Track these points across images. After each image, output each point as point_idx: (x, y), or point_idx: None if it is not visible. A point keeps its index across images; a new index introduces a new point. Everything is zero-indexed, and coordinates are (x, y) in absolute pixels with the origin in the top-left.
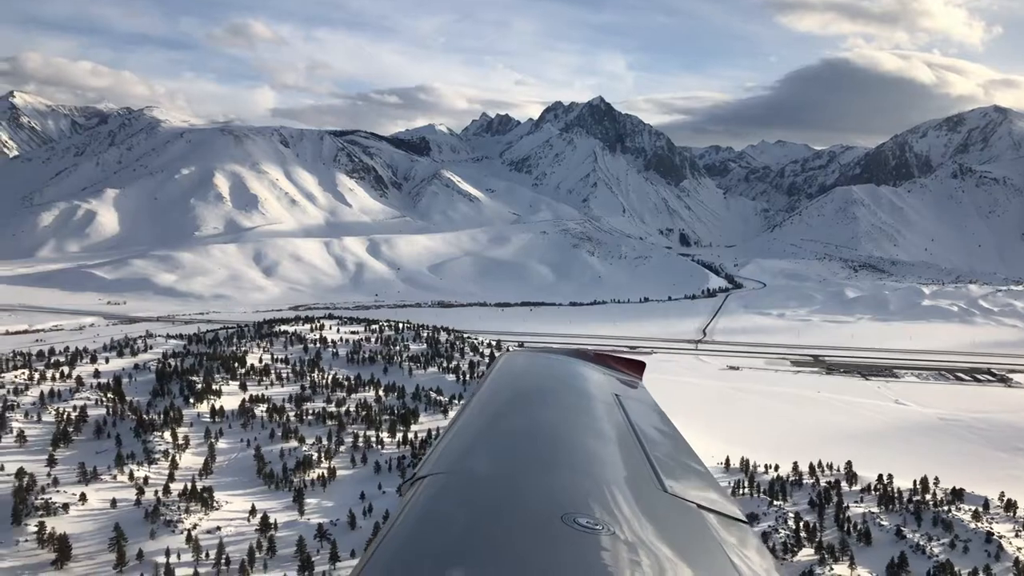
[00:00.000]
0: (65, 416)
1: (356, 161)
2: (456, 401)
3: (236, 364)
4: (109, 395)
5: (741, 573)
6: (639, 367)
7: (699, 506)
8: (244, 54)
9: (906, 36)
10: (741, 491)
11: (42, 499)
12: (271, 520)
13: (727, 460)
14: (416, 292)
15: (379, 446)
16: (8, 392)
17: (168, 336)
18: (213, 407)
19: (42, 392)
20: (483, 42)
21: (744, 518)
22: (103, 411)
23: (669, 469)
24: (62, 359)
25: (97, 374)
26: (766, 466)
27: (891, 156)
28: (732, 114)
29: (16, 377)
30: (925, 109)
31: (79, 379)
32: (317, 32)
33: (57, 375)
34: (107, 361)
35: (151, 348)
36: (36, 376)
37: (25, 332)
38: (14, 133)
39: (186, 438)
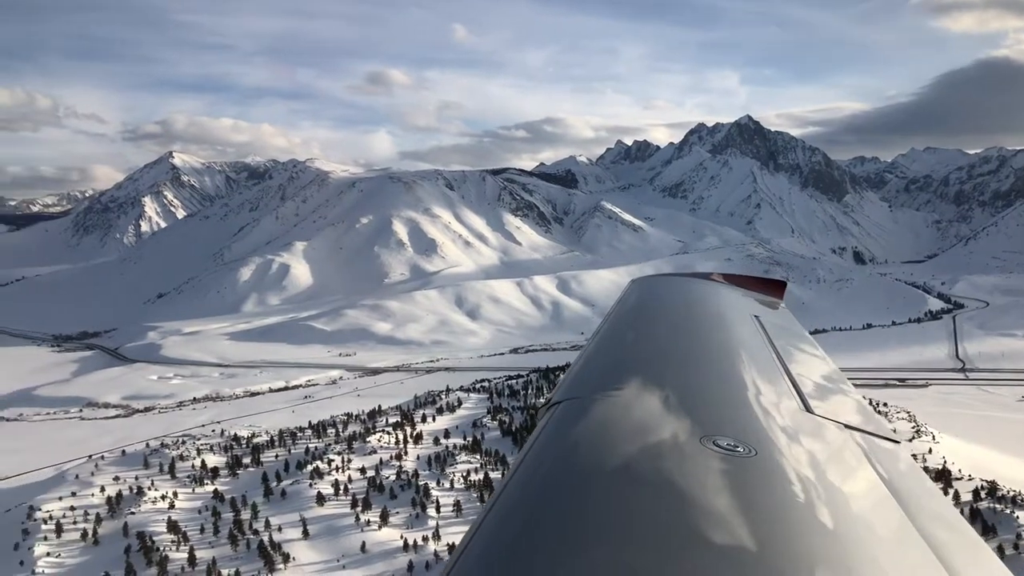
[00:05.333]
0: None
1: (518, 199)
2: None
3: None
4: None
5: (893, 492)
6: (779, 287)
7: (846, 426)
8: (361, 100)
9: None
10: None
11: None
12: None
13: None
14: None
15: None
16: (391, 458)
17: (463, 389)
18: None
19: (439, 457)
20: (590, 69)
21: (895, 437)
22: None
23: (813, 389)
24: (395, 419)
25: (447, 434)
26: None
27: None
28: (871, 123)
29: (378, 441)
30: None
31: (436, 440)
32: (428, 73)
33: (410, 437)
34: (434, 419)
35: (461, 403)
36: (398, 439)
37: (285, 388)
38: (177, 192)
39: None
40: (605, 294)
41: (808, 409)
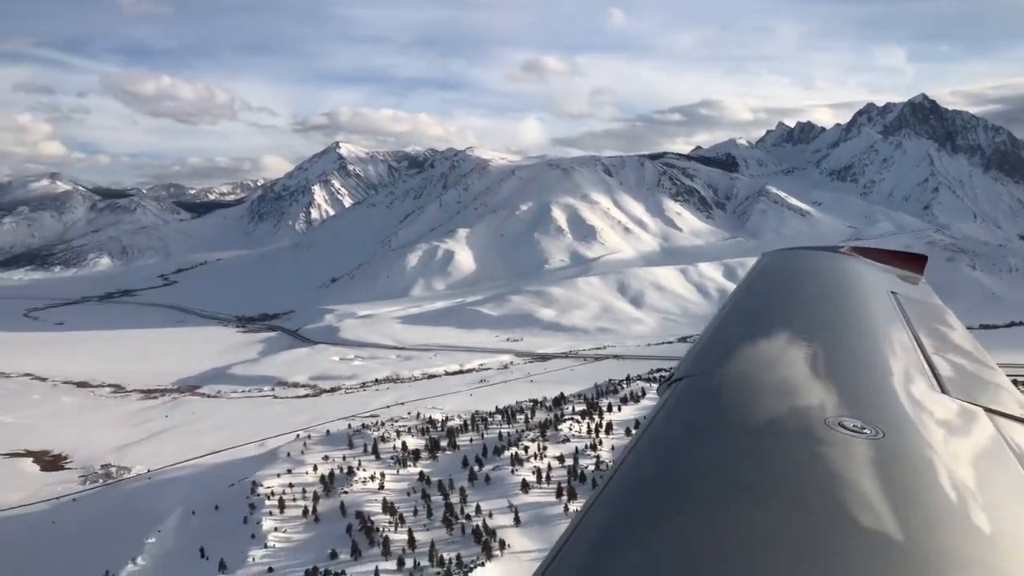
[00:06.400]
0: None
1: (678, 184)
2: None
3: None
4: None
5: None
6: (919, 262)
7: (986, 409)
8: (515, 88)
9: None
10: None
11: None
12: None
13: None
14: None
15: None
16: (586, 447)
17: (642, 378)
18: None
19: None
20: (745, 49)
21: None
22: None
23: (951, 370)
24: (580, 407)
25: (637, 425)
26: None
27: None
28: None
29: (569, 429)
30: None
31: (628, 431)
32: (579, 58)
33: (600, 427)
34: (619, 409)
35: (645, 393)
36: (589, 428)
37: (460, 372)
38: (344, 181)
39: None
40: None
41: (944, 390)
